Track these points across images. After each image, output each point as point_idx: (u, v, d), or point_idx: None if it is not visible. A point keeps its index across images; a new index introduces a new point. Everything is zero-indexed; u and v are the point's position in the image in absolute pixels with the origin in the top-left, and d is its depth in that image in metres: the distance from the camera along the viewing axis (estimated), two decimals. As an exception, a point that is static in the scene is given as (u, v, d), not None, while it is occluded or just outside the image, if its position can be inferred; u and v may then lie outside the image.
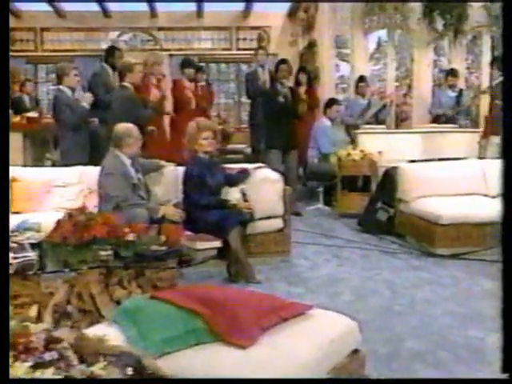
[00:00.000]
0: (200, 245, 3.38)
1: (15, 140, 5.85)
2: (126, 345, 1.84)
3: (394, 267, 4.55)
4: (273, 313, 2.05)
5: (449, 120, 7.41)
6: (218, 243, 3.49)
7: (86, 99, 5.61)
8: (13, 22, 9.73)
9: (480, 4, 7.57)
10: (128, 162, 4.22)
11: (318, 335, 2.06)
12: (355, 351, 2.19)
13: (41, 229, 3.49)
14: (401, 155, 6.25)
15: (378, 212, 5.68)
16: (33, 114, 6.27)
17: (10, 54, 9.40)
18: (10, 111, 6.58)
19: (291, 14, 9.94)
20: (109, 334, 2.00)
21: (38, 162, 6.29)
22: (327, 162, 6.80)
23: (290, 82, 7.11)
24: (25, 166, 5.79)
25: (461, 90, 7.62)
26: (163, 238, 3.38)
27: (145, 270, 3.18)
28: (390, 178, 5.65)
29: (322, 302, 3.75)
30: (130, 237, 3.23)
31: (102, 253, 3.14)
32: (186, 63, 7.00)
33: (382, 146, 6.43)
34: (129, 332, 1.95)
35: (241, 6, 10.09)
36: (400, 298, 3.83)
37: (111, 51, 6.96)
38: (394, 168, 5.60)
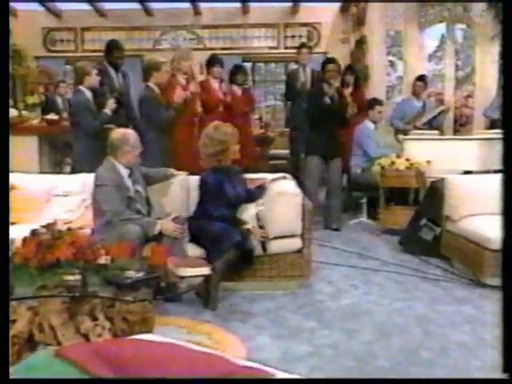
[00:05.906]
0: (184, 271, 2.87)
1: (30, 143, 5.54)
2: None
3: (432, 298, 3.87)
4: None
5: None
6: (206, 270, 2.97)
7: (109, 105, 5.20)
8: (53, 22, 9.61)
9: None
10: (125, 172, 3.77)
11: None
12: None
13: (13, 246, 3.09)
14: (454, 165, 5.48)
15: (422, 230, 4.98)
16: (52, 116, 5.95)
17: (50, 54, 9.30)
18: (37, 112, 6.35)
19: (343, 9, 9.24)
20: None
21: (57, 166, 5.97)
22: (371, 171, 6.09)
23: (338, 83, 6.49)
24: (41, 171, 5.50)
25: None
26: (146, 260, 2.94)
27: (115, 299, 2.72)
28: (436, 192, 4.91)
29: (335, 341, 3.17)
30: (102, 260, 2.80)
31: (69, 277, 2.73)
32: (212, 61, 6.19)
33: (432, 155, 5.66)
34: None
35: (289, 2, 9.47)
36: (431, 339, 3.17)
37: (114, 45, 5.97)
38: (442, 180, 4.87)
